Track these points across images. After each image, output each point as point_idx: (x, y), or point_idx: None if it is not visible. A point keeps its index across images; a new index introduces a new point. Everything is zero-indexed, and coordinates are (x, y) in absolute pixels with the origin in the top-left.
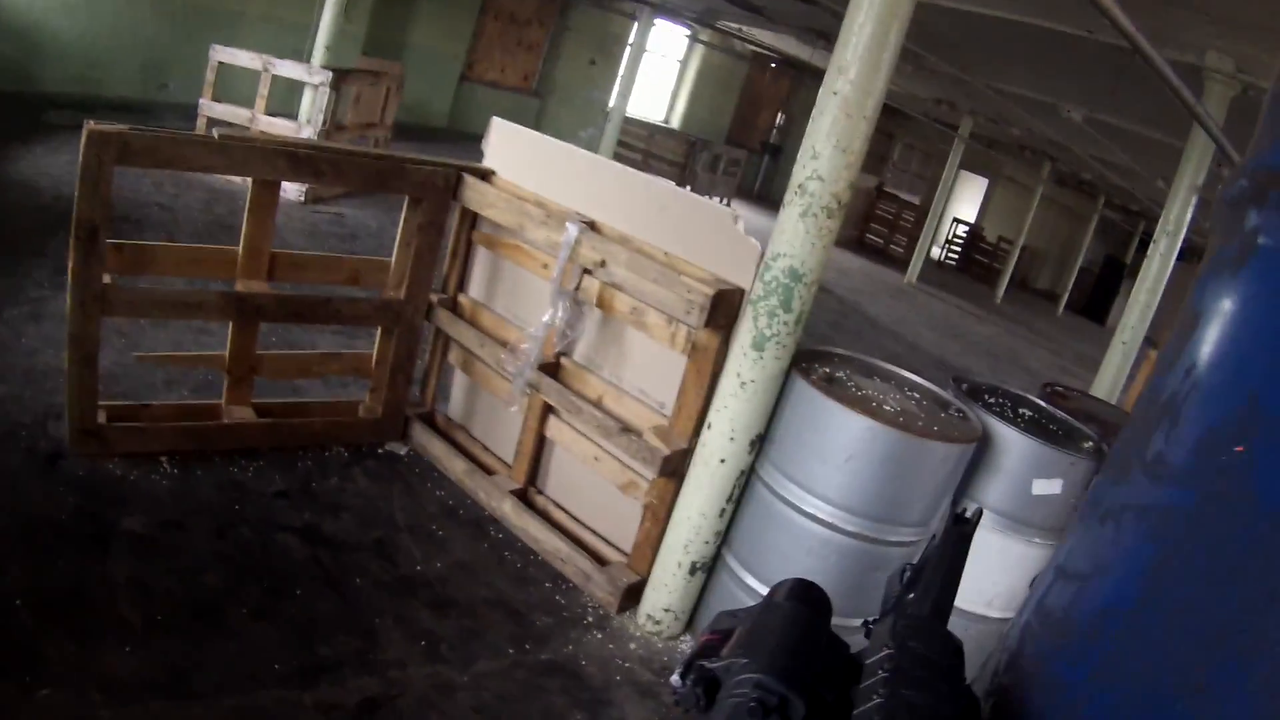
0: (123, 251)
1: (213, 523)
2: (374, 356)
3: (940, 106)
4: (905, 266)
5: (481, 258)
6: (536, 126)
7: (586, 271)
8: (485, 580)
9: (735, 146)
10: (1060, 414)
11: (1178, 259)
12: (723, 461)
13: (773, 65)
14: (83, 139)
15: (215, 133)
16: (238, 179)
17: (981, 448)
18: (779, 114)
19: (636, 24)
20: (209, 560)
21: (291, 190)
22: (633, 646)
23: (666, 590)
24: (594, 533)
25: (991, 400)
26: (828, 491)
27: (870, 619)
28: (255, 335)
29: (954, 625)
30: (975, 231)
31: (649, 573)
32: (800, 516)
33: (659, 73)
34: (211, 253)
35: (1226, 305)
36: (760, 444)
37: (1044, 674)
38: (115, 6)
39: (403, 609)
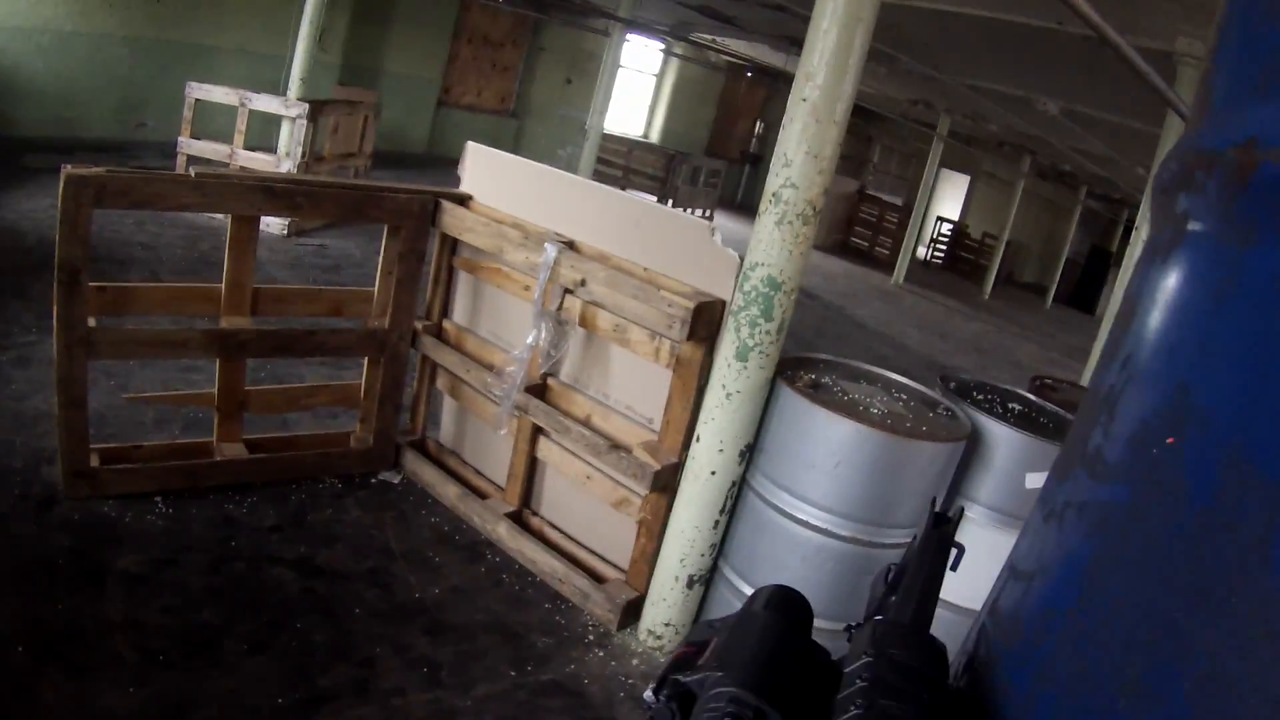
0: (106, 293)
1: (207, 559)
2: (362, 386)
3: (917, 106)
4: (891, 268)
5: (463, 282)
6: (515, 147)
7: (567, 291)
8: (482, 604)
9: (715, 157)
10: (1050, 406)
11: None
12: (713, 473)
13: (748, 74)
14: (61, 183)
15: (192, 170)
16: (219, 215)
17: (972, 445)
18: (757, 122)
19: (610, 40)
20: (204, 596)
21: (274, 223)
22: (635, 663)
23: (665, 605)
24: (590, 551)
25: (980, 397)
26: (819, 497)
27: (853, 624)
28: (242, 371)
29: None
30: (959, 229)
31: (647, 588)
32: (793, 524)
33: (635, 88)
34: (194, 290)
35: (1158, 293)
36: (750, 454)
37: (993, 677)
38: (89, 47)
39: (400, 636)
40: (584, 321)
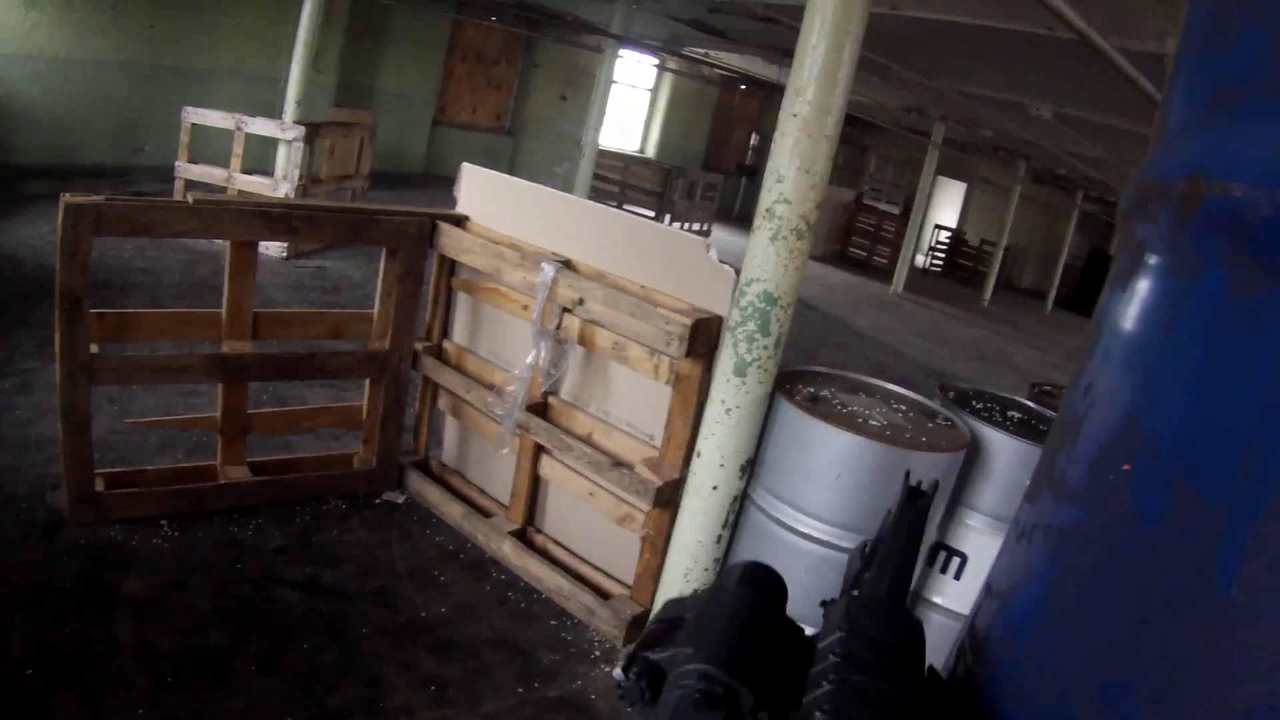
0: (107, 320)
1: (214, 581)
2: (364, 408)
3: (911, 115)
4: (890, 277)
5: (462, 303)
6: (512, 165)
7: (566, 310)
8: (488, 622)
9: (711, 170)
10: (1049, 413)
11: None
12: (715, 488)
13: (742, 87)
14: (60, 211)
15: (190, 196)
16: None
17: (972, 454)
18: (752, 134)
19: (603, 56)
20: (212, 618)
21: (273, 246)
22: None
23: None
24: (595, 567)
25: (979, 406)
26: (821, 510)
27: (828, 599)
28: (245, 394)
29: (952, 630)
30: (957, 236)
31: (652, 603)
32: (796, 537)
33: (630, 103)
34: (195, 315)
35: (1117, 320)
36: (751, 468)
37: (969, 694)
38: (85, 73)
39: (407, 655)
40: (583, 340)
